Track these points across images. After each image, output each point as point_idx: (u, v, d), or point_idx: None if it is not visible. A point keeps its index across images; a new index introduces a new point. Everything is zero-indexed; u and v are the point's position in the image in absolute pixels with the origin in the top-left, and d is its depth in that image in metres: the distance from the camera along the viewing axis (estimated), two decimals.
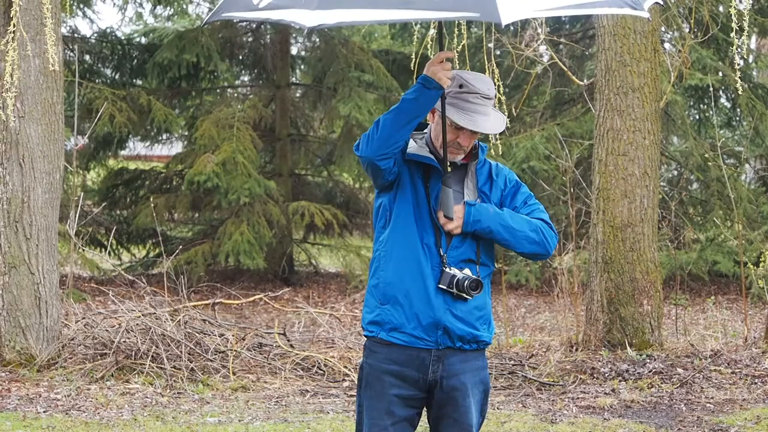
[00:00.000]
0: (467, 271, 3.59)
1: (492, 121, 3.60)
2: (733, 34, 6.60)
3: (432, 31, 8.93)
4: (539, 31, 10.11)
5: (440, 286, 3.57)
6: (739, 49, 6.96)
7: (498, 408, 7.30)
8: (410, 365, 3.64)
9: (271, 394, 7.74)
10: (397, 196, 3.65)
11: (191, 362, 8.12)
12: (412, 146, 3.68)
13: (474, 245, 3.66)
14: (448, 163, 3.63)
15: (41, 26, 7.81)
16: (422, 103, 3.45)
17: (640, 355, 8.58)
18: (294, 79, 17.64)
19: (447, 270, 3.58)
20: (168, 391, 7.65)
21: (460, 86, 3.55)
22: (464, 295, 3.57)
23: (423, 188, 3.63)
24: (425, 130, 3.74)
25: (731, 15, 6.81)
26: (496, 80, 8.43)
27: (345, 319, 10.41)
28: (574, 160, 10.94)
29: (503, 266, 12.57)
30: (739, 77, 14.60)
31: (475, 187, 3.69)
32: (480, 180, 3.70)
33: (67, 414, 6.98)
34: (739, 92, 6.75)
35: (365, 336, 3.74)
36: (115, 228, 14.69)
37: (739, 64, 6.83)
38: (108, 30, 16.43)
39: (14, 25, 6.82)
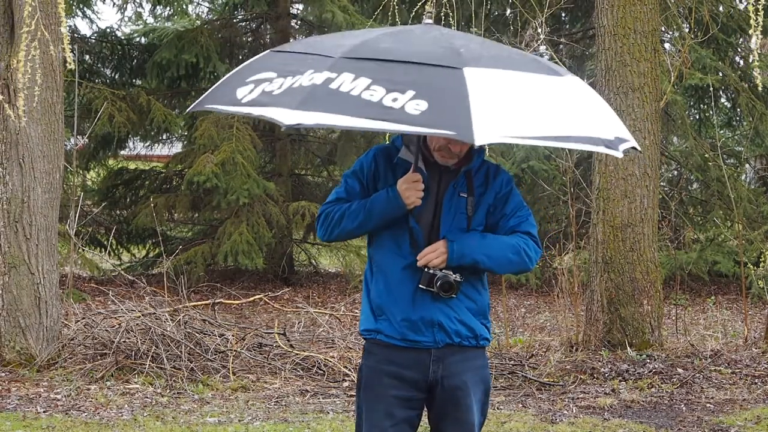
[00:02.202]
0: (448, 270, 3.60)
1: None
2: (751, 31, 6.57)
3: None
4: (539, 31, 10.11)
5: (420, 285, 3.59)
6: (760, 48, 6.92)
7: (498, 408, 7.30)
8: (409, 366, 3.64)
9: (271, 394, 7.73)
10: None
11: (191, 362, 8.11)
12: (403, 151, 3.69)
13: None
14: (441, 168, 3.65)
15: (42, 26, 7.79)
16: (387, 215, 3.59)
17: (640, 355, 8.58)
18: None
19: (426, 270, 3.59)
20: (168, 391, 7.65)
21: None
22: (444, 295, 3.57)
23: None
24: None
25: (735, 14, 6.79)
26: None
27: (345, 319, 10.41)
28: (574, 160, 10.93)
29: None
30: (739, 77, 14.62)
31: (471, 190, 3.67)
32: (476, 182, 3.69)
33: (67, 414, 6.98)
34: (760, 88, 6.70)
35: (364, 338, 3.75)
36: (115, 228, 14.68)
37: (756, 61, 6.77)
38: (108, 30, 16.44)
39: (26, 24, 6.78)
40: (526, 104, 3.15)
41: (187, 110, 3.64)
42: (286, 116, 3.03)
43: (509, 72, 3.23)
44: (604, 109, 3.42)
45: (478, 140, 2.91)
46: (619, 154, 3.18)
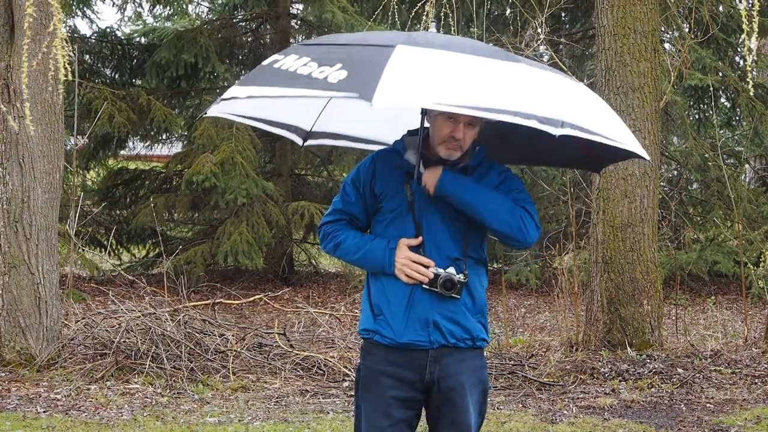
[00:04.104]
0: (451, 270, 3.60)
1: None
2: (743, 36, 6.56)
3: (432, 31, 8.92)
4: (539, 31, 10.11)
5: (424, 285, 3.60)
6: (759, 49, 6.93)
7: (498, 408, 7.30)
8: (407, 366, 3.64)
9: (271, 394, 7.74)
10: (375, 215, 3.74)
11: (191, 362, 8.12)
12: (408, 154, 3.73)
13: (459, 242, 3.66)
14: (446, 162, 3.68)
15: (41, 26, 7.81)
16: (376, 269, 3.66)
17: (640, 355, 8.58)
18: None
19: (431, 269, 3.60)
20: (168, 391, 7.65)
21: None
22: (446, 293, 3.58)
23: (403, 192, 3.66)
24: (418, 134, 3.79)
25: (735, 14, 6.80)
26: None
27: (345, 319, 10.41)
28: None
29: (503, 266, 12.56)
30: (739, 77, 14.61)
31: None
32: (474, 178, 3.71)
33: (67, 414, 6.98)
34: (751, 93, 6.69)
35: (362, 338, 3.76)
36: (114, 228, 14.69)
37: (752, 63, 6.78)
38: (108, 30, 16.44)
39: (27, 36, 6.78)
40: (450, 77, 3.22)
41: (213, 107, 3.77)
42: (228, 92, 3.36)
43: (447, 53, 3.31)
44: (572, 98, 3.40)
45: (376, 101, 2.99)
46: (555, 132, 3.13)
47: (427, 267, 3.58)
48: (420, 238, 3.62)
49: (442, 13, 9.21)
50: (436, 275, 3.58)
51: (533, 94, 3.26)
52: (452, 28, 9.11)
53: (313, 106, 4.03)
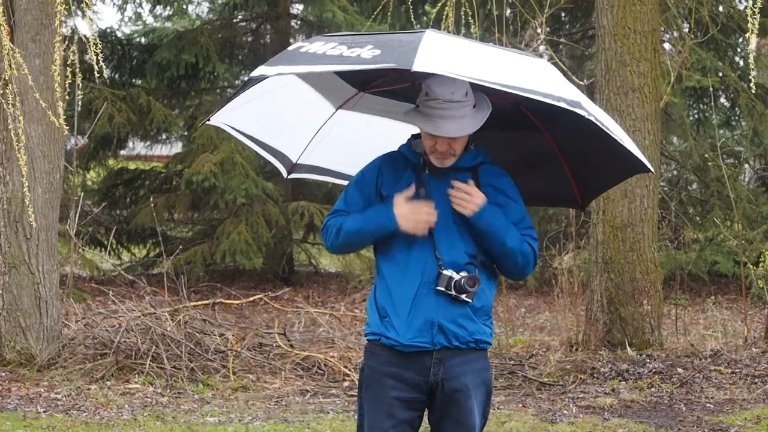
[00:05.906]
0: (464, 274, 3.59)
1: (459, 124, 3.55)
2: (748, 34, 6.53)
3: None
4: (539, 31, 10.11)
5: (438, 288, 3.58)
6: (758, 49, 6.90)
7: (498, 408, 7.30)
8: (410, 368, 3.63)
9: (271, 394, 7.74)
10: None
11: (191, 362, 8.12)
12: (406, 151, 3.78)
13: (470, 244, 3.65)
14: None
15: (41, 26, 7.81)
16: (380, 234, 3.63)
17: (640, 355, 8.58)
18: None
19: (444, 272, 3.58)
20: (168, 391, 7.66)
21: (426, 94, 3.58)
22: (463, 296, 3.57)
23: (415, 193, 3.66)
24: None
25: (735, 14, 6.79)
26: None
27: (345, 319, 10.41)
28: None
29: None
30: (739, 77, 14.60)
31: (476, 182, 3.69)
32: (482, 181, 3.70)
33: (67, 414, 6.98)
34: (753, 91, 6.66)
35: (366, 339, 3.75)
36: (115, 228, 14.68)
37: (751, 64, 6.76)
38: (108, 30, 16.42)
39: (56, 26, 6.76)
40: (483, 58, 3.35)
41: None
42: (256, 70, 3.40)
43: (473, 42, 3.54)
44: (581, 95, 3.48)
45: (416, 66, 3.04)
46: (583, 113, 3.20)
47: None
48: (413, 187, 3.62)
49: (462, 14, 9.18)
50: (450, 278, 3.56)
51: (559, 83, 3.38)
52: (473, 27, 9.10)
53: (306, 133, 4.08)
